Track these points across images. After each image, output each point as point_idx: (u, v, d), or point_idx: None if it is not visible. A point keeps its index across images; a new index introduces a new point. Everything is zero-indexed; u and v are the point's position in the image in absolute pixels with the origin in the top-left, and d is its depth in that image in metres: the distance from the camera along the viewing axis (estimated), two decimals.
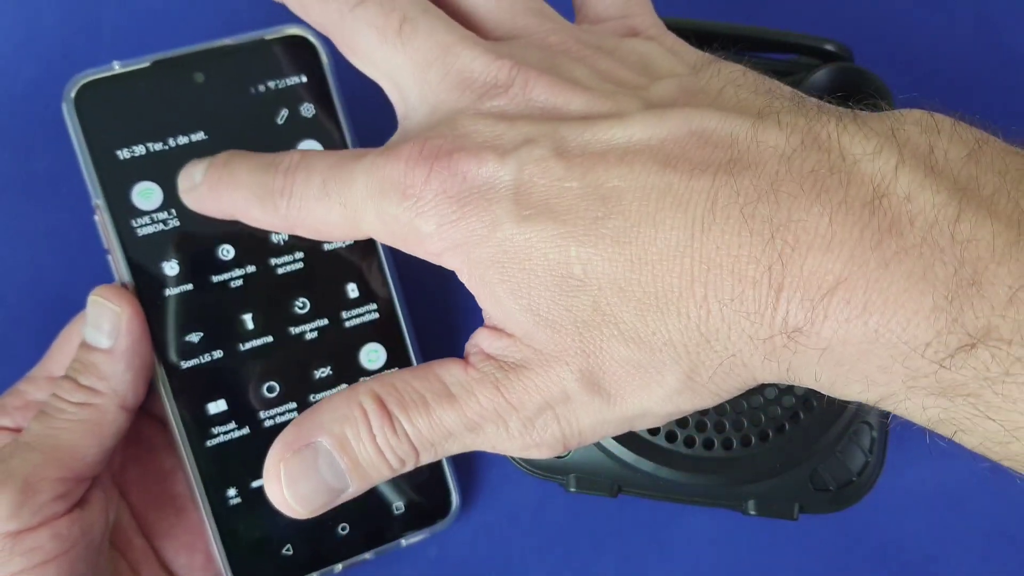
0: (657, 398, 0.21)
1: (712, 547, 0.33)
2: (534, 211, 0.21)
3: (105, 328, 0.27)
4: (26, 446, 0.26)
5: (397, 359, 0.30)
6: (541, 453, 0.23)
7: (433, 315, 0.33)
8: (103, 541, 0.27)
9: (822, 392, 0.21)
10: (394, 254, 0.30)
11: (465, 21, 0.25)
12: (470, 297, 0.23)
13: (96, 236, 0.28)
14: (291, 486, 0.22)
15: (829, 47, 0.31)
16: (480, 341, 0.23)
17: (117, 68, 0.28)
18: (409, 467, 0.23)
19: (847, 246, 0.18)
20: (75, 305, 0.29)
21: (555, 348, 0.21)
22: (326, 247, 0.29)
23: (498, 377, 0.22)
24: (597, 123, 0.21)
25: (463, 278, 0.22)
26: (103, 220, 0.28)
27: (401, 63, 0.23)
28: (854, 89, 0.30)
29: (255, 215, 0.24)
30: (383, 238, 0.23)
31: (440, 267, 0.23)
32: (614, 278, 0.20)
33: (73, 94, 0.27)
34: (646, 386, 0.21)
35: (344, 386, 0.30)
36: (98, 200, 0.27)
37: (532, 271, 0.21)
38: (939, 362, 0.18)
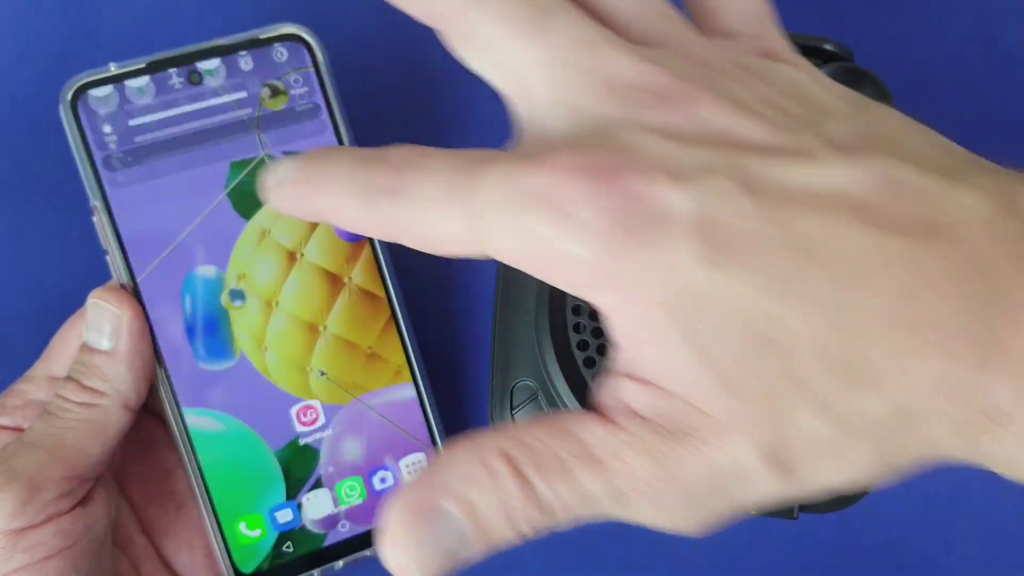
0: (843, 477, 0.19)
1: (712, 546, 0.33)
2: (724, 254, 0.18)
3: (106, 330, 0.27)
4: (31, 445, 0.26)
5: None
6: (695, 531, 0.20)
7: (433, 312, 0.33)
8: (105, 538, 0.27)
9: (1008, 477, 0.19)
10: (391, 249, 0.30)
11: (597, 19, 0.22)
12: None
13: (95, 237, 0.28)
14: (412, 551, 0.20)
15: (829, 47, 0.31)
16: (623, 394, 0.20)
17: (113, 69, 0.28)
18: (541, 535, 0.20)
19: None
20: (74, 306, 0.29)
21: (733, 416, 0.19)
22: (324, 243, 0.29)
23: (654, 444, 0.19)
24: (787, 161, 0.19)
25: (615, 317, 0.19)
26: (101, 221, 0.28)
27: (532, 58, 0.20)
28: (853, 89, 0.30)
29: (350, 214, 0.21)
30: (514, 258, 0.20)
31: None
32: (814, 343, 0.18)
33: (69, 96, 0.27)
34: (835, 465, 0.19)
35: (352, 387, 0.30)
36: (96, 201, 0.28)
37: (719, 326, 0.18)
38: None
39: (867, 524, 0.33)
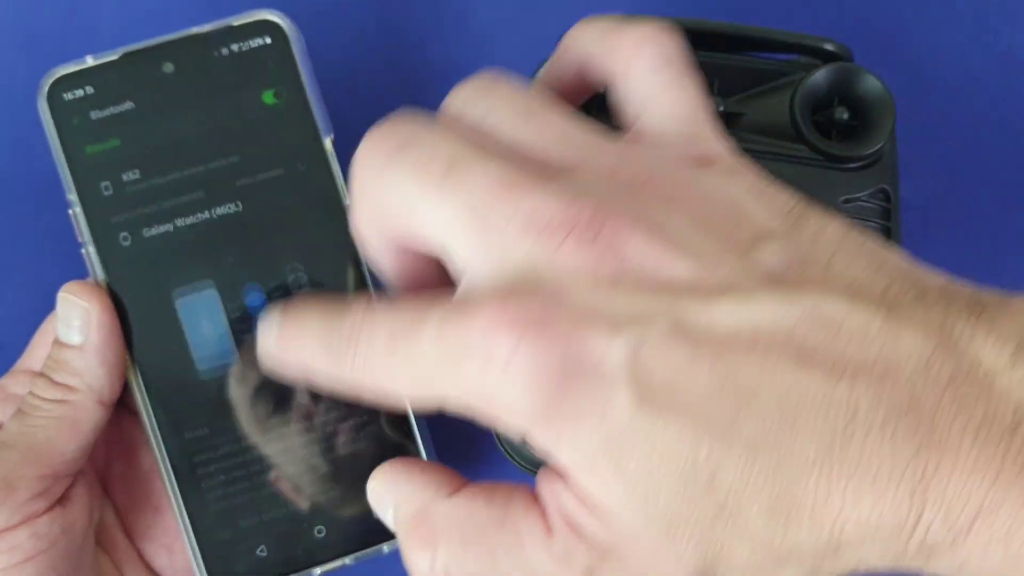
0: None
1: None
2: (657, 402, 0.18)
3: (75, 324, 0.27)
4: (2, 445, 0.26)
5: None
6: None
7: None
8: (86, 539, 0.27)
9: None
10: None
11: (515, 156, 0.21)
12: None
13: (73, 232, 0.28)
14: None
15: (829, 47, 0.31)
16: (564, 503, 0.20)
17: (90, 62, 0.27)
18: None
19: (992, 469, 0.17)
20: None
21: (667, 549, 0.19)
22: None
23: (589, 567, 0.19)
24: (717, 300, 0.19)
25: (560, 456, 0.19)
26: (76, 215, 0.27)
27: (450, 212, 0.20)
28: (853, 89, 0.30)
29: (322, 366, 0.22)
30: (461, 406, 0.20)
31: None
32: (747, 485, 0.18)
33: (47, 89, 0.27)
34: None
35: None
36: (71, 195, 0.27)
37: (652, 470, 0.18)
38: None
39: None
